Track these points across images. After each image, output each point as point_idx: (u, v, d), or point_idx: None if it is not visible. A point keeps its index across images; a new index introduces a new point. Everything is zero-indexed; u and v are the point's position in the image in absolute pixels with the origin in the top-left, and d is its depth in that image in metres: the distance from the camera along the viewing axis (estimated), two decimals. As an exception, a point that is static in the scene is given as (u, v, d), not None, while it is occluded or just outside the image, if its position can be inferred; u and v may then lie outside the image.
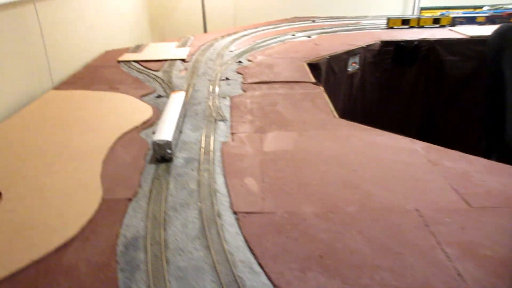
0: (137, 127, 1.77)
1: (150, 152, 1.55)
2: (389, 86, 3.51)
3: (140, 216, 1.17)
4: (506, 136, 2.55)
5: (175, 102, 1.81)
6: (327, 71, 2.94)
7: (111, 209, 1.21)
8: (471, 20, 3.78)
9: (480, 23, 3.78)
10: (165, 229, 1.11)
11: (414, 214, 1.15)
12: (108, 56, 3.09)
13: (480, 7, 4.25)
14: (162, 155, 1.45)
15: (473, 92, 3.50)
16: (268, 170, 1.40)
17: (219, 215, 1.16)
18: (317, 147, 1.56)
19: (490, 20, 3.80)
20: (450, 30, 3.66)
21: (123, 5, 4.07)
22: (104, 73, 2.62)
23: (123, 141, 1.65)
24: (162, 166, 1.44)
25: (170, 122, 1.59)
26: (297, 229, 1.10)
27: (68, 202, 1.23)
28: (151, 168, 1.44)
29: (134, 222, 1.15)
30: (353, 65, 3.16)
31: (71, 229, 1.10)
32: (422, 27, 3.77)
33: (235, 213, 1.18)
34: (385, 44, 3.36)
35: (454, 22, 3.76)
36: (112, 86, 2.35)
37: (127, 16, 4.14)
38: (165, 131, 1.50)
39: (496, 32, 2.50)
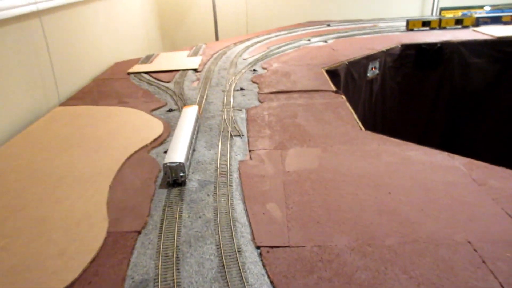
0: (147, 146, 1.64)
1: (161, 174, 1.42)
2: (410, 91, 3.33)
3: (149, 253, 1.04)
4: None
5: (188, 117, 1.68)
6: (346, 78, 2.78)
7: (117, 245, 1.07)
8: (496, 20, 3.59)
9: (506, 23, 3.59)
10: (178, 269, 0.97)
11: (467, 247, 0.99)
12: (118, 68, 2.98)
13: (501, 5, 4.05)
14: (175, 179, 1.31)
15: (501, 96, 3.30)
16: (292, 193, 1.25)
17: (239, 251, 1.02)
18: (344, 165, 1.41)
19: (516, 19, 3.60)
20: (474, 31, 3.47)
21: (133, 15, 3.98)
22: (113, 86, 2.51)
23: (132, 161, 1.52)
24: (175, 191, 1.31)
25: (183, 141, 1.45)
26: (330, 267, 0.95)
27: (70, 237, 1.10)
28: (162, 194, 1.30)
29: (143, 260, 1.01)
30: (372, 70, 3.00)
31: (72, 271, 0.97)
32: (444, 28, 3.59)
33: (258, 247, 1.03)
34: (406, 47, 3.18)
35: (478, 22, 3.58)
36: (121, 100, 2.23)
37: (137, 26, 4.04)
38: (177, 152, 1.36)
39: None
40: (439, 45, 3.17)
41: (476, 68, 3.24)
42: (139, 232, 1.12)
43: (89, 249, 1.05)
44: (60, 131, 1.84)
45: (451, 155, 1.44)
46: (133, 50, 3.79)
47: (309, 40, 3.46)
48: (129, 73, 2.78)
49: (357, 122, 1.76)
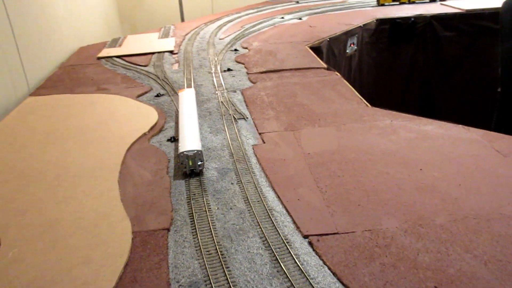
0: (145, 134, 1.51)
1: (172, 165, 1.30)
2: (386, 65, 3.34)
3: (188, 252, 0.94)
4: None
5: (188, 101, 1.56)
6: (327, 54, 2.73)
7: (148, 246, 0.96)
8: (461, -7, 3.66)
9: (470, -4, 3.66)
10: (228, 268, 0.88)
11: (518, 219, 0.97)
12: (84, 53, 2.75)
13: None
14: (192, 168, 1.20)
15: (469, 67, 3.40)
16: (321, 176, 1.19)
17: (287, 242, 0.94)
18: (365, 143, 1.36)
19: (478, -8, 3.69)
20: (442, 4, 3.53)
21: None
22: (85, 72, 2.31)
23: (134, 153, 1.39)
24: (193, 181, 1.20)
25: (193, 127, 1.34)
26: (390, 252, 0.90)
27: (91, 241, 0.97)
28: (180, 185, 1.19)
29: (183, 261, 0.91)
30: (351, 47, 2.97)
31: (106, 280, 0.85)
32: (414, 3, 3.62)
33: (305, 236, 0.96)
34: (381, 22, 3.18)
35: (444, -5, 3.63)
36: (100, 87, 2.05)
37: (96, 8, 3.76)
38: (191, 139, 1.25)
39: (508, 8, 2.36)
40: (412, 19, 3.20)
41: (447, 41, 3.30)
42: (168, 230, 1.01)
43: (118, 253, 0.93)
44: (39, 124, 1.65)
45: (466, 127, 1.43)
46: (94, 34, 3.52)
47: (282, 17, 3.37)
48: (99, 58, 2.57)
49: (361, 99, 1.72)
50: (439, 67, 3.38)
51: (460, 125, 1.44)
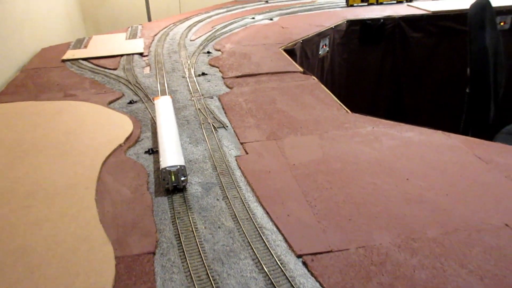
0: (121, 146, 1.43)
1: (152, 179, 1.24)
2: (356, 66, 3.37)
3: (178, 279, 0.88)
4: (490, 112, 2.52)
5: (165, 110, 1.49)
6: (301, 56, 2.72)
7: (133, 272, 0.90)
8: (426, -5, 3.74)
9: (435, -3, 3.76)
10: (221, 295, 0.84)
11: (507, 231, 0.98)
12: (47, 55, 2.61)
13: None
14: (175, 184, 1.15)
15: (436, 67, 3.48)
16: (309, 189, 1.16)
17: (281, 264, 0.91)
18: (349, 152, 1.34)
19: (443, -7, 3.79)
20: (409, 5, 3.59)
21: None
22: (50, 76, 2.18)
23: (110, 167, 1.32)
24: (176, 198, 1.14)
25: (173, 140, 1.28)
26: (386, 270, 0.88)
27: (71, 270, 0.90)
28: (163, 203, 1.13)
29: (173, 288, 0.86)
30: (323, 48, 2.97)
31: (93, 316, 0.79)
32: (381, 3, 3.67)
33: (299, 256, 0.93)
34: (352, 23, 3.20)
35: (410, -4, 3.70)
36: (67, 93, 1.94)
37: (57, 6, 3.58)
38: (172, 154, 1.19)
39: (475, 9, 2.42)
40: (381, 20, 3.23)
41: (415, 42, 3.36)
42: (154, 253, 0.96)
43: (101, 283, 0.87)
44: (3, 135, 1.54)
45: (446, 133, 1.44)
46: (56, 34, 3.36)
47: (253, 18, 3.33)
48: (64, 60, 2.44)
49: (340, 105, 1.70)
50: (408, 67, 3.45)
51: (440, 131, 1.46)
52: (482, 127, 2.64)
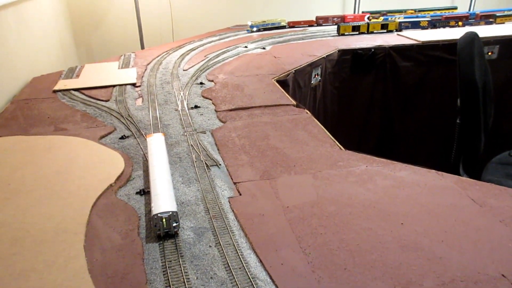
0: (111, 186, 1.41)
1: (143, 223, 1.22)
2: (348, 95, 3.41)
3: (169, 337, 0.85)
4: (480, 142, 2.54)
5: (157, 150, 1.48)
6: (293, 86, 2.73)
7: (123, 330, 0.87)
8: (415, 25, 3.82)
9: (424, 27, 3.83)
10: None
11: (505, 282, 0.97)
12: (38, 85, 2.60)
13: (422, 10, 4.33)
14: (167, 230, 1.12)
15: (425, 96, 3.53)
16: (303, 234, 1.14)
17: (276, 319, 0.88)
18: (343, 193, 1.33)
19: (431, 24, 3.87)
20: (399, 35, 3.65)
21: (46, 22, 3.51)
22: (41, 108, 2.17)
23: (100, 209, 1.29)
24: (168, 245, 1.12)
25: (166, 183, 1.26)
26: (383, 326, 0.86)
27: (58, 328, 0.87)
28: (154, 250, 1.11)
29: None
30: (315, 77, 3.00)
31: None
32: (372, 33, 3.73)
33: (293, 311, 0.91)
34: (343, 52, 3.24)
35: (400, 27, 3.77)
36: (58, 126, 1.92)
37: (50, 34, 3.58)
38: (165, 199, 1.17)
39: (464, 42, 2.47)
40: (372, 50, 3.28)
41: (405, 71, 3.41)
42: (144, 308, 0.93)
43: None
44: (-9, 173, 1.51)
45: (440, 173, 1.44)
46: (48, 62, 3.35)
47: (246, 47, 3.35)
48: (55, 91, 2.43)
49: (334, 141, 1.70)
50: (398, 95, 3.48)
51: (434, 171, 1.46)
52: (472, 156, 2.65)
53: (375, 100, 3.48)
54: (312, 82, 2.96)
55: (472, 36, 2.49)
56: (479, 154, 2.59)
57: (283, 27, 4.02)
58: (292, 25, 4.05)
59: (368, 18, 4.07)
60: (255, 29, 3.88)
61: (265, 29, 3.91)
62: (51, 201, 1.33)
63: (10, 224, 1.22)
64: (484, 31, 3.47)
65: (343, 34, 3.67)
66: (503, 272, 0.99)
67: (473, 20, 3.91)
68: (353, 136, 3.52)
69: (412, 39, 3.45)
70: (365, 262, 1.04)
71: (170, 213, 1.11)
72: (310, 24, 4.09)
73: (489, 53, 3.38)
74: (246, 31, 3.95)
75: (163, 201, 1.15)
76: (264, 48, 3.28)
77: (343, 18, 4.04)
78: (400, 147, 3.61)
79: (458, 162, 2.66)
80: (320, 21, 4.05)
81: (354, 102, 3.45)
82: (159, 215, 1.10)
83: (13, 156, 1.63)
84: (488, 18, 3.91)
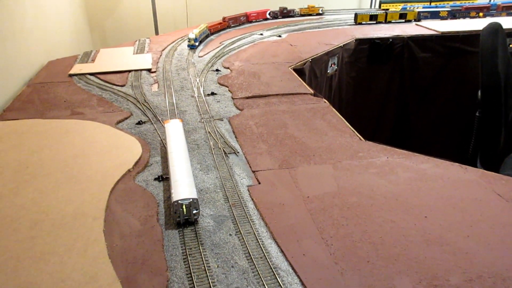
0: (129, 171, 1.40)
1: (162, 210, 1.20)
2: (364, 85, 3.35)
3: (191, 325, 0.84)
4: (500, 136, 2.49)
5: (175, 137, 1.46)
6: (309, 75, 2.69)
7: (144, 316, 0.86)
8: (434, 15, 3.74)
9: (443, 17, 3.75)
10: None
11: (534, 279, 0.94)
12: (54, 69, 2.59)
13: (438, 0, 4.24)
14: (187, 217, 1.11)
15: (443, 88, 3.46)
16: (325, 225, 1.12)
17: (299, 310, 0.87)
18: (364, 185, 1.30)
19: (451, 14, 3.79)
20: (417, 25, 3.58)
21: (61, 6, 3.49)
22: (57, 92, 2.16)
23: (118, 194, 1.28)
24: (188, 232, 1.11)
25: (185, 170, 1.24)
26: (409, 321, 0.84)
27: (80, 313, 0.86)
28: (173, 237, 1.09)
29: (186, 336, 0.82)
30: (332, 67, 2.95)
31: None
32: (390, 22, 3.66)
33: (316, 302, 0.89)
34: (360, 42, 3.18)
35: (419, 16, 3.69)
36: (74, 110, 1.91)
37: (65, 19, 3.57)
38: (185, 186, 1.15)
39: (488, 32, 2.40)
40: (390, 40, 3.21)
41: (423, 62, 3.34)
42: (165, 294, 0.92)
43: (111, 329, 0.83)
44: (8, 156, 1.51)
45: (463, 166, 1.41)
46: (63, 46, 3.34)
47: (261, 34, 3.31)
48: (71, 75, 2.42)
49: (353, 131, 1.67)
50: (415, 87, 3.42)
51: (457, 164, 1.42)
52: (491, 150, 2.60)
53: (391, 91, 3.43)
54: (328, 71, 2.92)
55: (496, 27, 2.42)
56: (499, 148, 2.54)
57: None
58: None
59: (269, 14, 3.84)
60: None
61: None
62: (69, 185, 1.32)
63: (29, 207, 1.22)
64: (506, 22, 3.37)
65: (360, 23, 3.61)
66: (533, 270, 0.96)
67: (495, 11, 3.82)
68: (368, 127, 3.48)
69: (431, 29, 3.38)
70: (388, 255, 1.01)
71: (191, 200, 1.09)
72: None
73: (511, 45, 3.29)
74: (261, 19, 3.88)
75: (183, 188, 1.14)
76: (280, 36, 3.24)
77: (247, 16, 3.74)
78: (415, 139, 3.56)
79: (476, 156, 2.61)
80: (230, 21, 3.58)
81: (370, 93, 3.40)
82: (179, 201, 1.09)
83: (30, 139, 1.63)
84: (510, 9, 3.81)
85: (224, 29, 3.49)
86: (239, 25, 3.65)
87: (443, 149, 3.51)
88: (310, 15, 4.02)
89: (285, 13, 3.97)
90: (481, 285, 0.93)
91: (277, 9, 3.99)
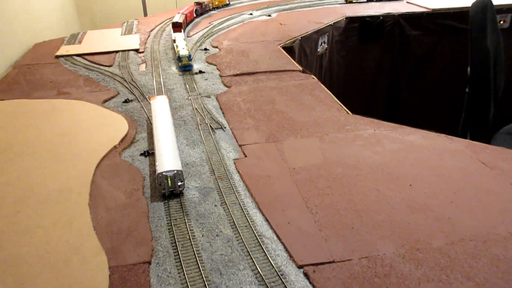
0: (115, 148, 1.39)
1: (148, 183, 1.20)
2: (355, 64, 3.34)
3: (175, 291, 0.85)
4: (489, 112, 2.50)
5: (162, 112, 1.45)
6: (299, 54, 2.68)
7: (128, 283, 0.87)
8: (425, -9, 3.70)
9: (434, -6, 3.71)
10: (220, 309, 0.80)
11: (515, 241, 0.95)
12: (40, 51, 2.56)
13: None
14: (172, 189, 1.11)
15: (435, 66, 3.45)
16: (310, 195, 1.13)
17: (282, 275, 0.87)
18: (350, 156, 1.31)
19: (442, -10, 3.75)
20: (408, 2, 3.55)
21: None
22: (43, 73, 2.13)
23: (104, 170, 1.28)
24: (173, 203, 1.11)
25: (170, 143, 1.24)
26: (391, 282, 0.85)
27: (62, 282, 0.87)
28: (159, 209, 1.09)
29: (170, 301, 0.83)
30: (322, 45, 2.93)
31: (85, 332, 0.76)
32: (380, 0, 3.62)
33: (300, 267, 0.90)
34: (351, 20, 3.15)
35: (410, -7, 3.66)
36: (60, 90, 1.89)
37: (52, 2, 3.50)
38: (169, 158, 1.15)
39: (477, 7, 2.38)
40: (381, 18, 3.19)
41: (414, 40, 3.33)
42: (150, 263, 0.92)
43: (95, 296, 0.83)
44: (-6, 135, 1.50)
45: (449, 137, 1.41)
46: (50, 28, 3.29)
47: (251, 14, 3.28)
48: (57, 56, 2.39)
49: (341, 105, 1.67)
50: (406, 65, 3.41)
51: (443, 135, 1.43)
52: (481, 127, 2.61)
53: (382, 70, 3.41)
54: (318, 50, 2.90)
55: (486, 3, 2.40)
56: (488, 124, 2.55)
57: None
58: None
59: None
60: None
61: None
62: (54, 162, 1.31)
63: (14, 184, 1.21)
64: (497, -2, 3.36)
65: (351, 2, 3.57)
66: (513, 232, 0.97)
67: (486, -12, 3.78)
68: (360, 106, 3.47)
69: (422, 6, 3.35)
70: (373, 222, 1.02)
71: (175, 171, 1.09)
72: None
73: (501, 22, 3.29)
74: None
75: (168, 160, 1.13)
76: (269, 16, 3.20)
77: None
78: (407, 117, 3.56)
79: (466, 132, 2.62)
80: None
81: (361, 71, 3.39)
82: (163, 173, 1.09)
83: (16, 119, 1.62)
84: (501, -14, 3.78)
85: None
86: (226, 5, 3.60)
87: (435, 126, 3.51)
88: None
89: None
90: (462, 247, 0.94)
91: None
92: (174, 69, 2.03)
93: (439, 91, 3.48)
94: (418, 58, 3.39)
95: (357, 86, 3.43)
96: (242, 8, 3.48)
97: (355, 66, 3.35)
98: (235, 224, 1.02)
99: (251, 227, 1.01)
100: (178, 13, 2.86)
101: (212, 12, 3.42)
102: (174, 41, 2.34)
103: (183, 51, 2.09)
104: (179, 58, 2.08)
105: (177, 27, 2.61)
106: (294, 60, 2.43)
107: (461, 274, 0.87)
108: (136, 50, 2.47)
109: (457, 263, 0.89)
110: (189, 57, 2.08)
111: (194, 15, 3.17)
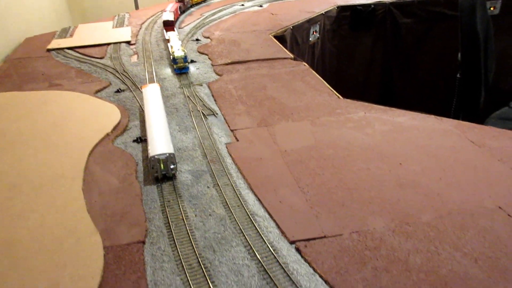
0: (108, 135, 1.40)
1: (141, 168, 1.21)
2: (347, 53, 3.35)
3: (169, 267, 0.86)
4: (480, 97, 2.52)
5: (153, 99, 1.46)
6: (291, 43, 2.68)
7: (123, 262, 0.88)
8: (416, -20, 3.71)
9: (425, -18, 3.73)
10: (213, 282, 0.82)
11: (501, 213, 0.97)
12: (32, 45, 2.55)
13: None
14: (164, 173, 1.12)
15: (426, 53, 3.47)
16: (301, 175, 1.14)
17: (274, 250, 0.89)
18: (341, 138, 1.32)
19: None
20: (399, -10, 3.56)
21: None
22: (35, 66, 2.13)
23: (97, 156, 1.28)
24: (166, 186, 1.12)
25: (162, 128, 1.25)
26: (380, 254, 0.87)
27: (58, 262, 0.88)
28: (152, 192, 1.11)
29: (164, 277, 0.84)
30: (314, 34, 2.94)
31: (81, 307, 0.77)
32: (372, -11, 3.63)
33: (292, 242, 0.92)
34: (342, 9, 3.16)
35: (401, -18, 3.67)
36: (52, 82, 1.89)
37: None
38: (161, 142, 1.16)
39: (467, -8, 2.40)
40: (372, 6, 3.20)
41: (406, 28, 3.34)
42: (144, 242, 0.93)
43: (90, 274, 0.84)
44: (-13, 126, 1.50)
45: (439, 118, 1.43)
46: (41, 23, 3.28)
47: (242, 5, 3.28)
48: (49, 50, 2.38)
49: (332, 90, 1.68)
50: (399, 53, 3.43)
51: (433, 116, 1.44)
52: (472, 111, 2.63)
53: (375, 58, 3.43)
54: (310, 39, 2.91)
55: (475, -13, 2.42)
56: (479, 108, 2.58)
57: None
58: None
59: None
60: None
61: None
62: (48, 150, 1.32)
63: (8, 171, 1.22)
64: (487, -15, 3.37)
65: (342, -9, 3.57)
66: (500, 205, 0.99)
67: (476, -25, 3.80)
68: (353, 94, 3.49)
69: (412, -6, 3.36)
70: (362, 199, 1.04)
71: (167, 155, 1.10)
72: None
73: (492, 8, 3.30)
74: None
75: (160, 144, 1.14)
76: (261, 6, 3.21)
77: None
78: (400, 104, 3.58)
79: (458, 117, 2.64)
80: None
81: (354, 60, 3.40)
82: (156, 156, 1.10)
83: (8, 111, 1.62)
84: (491, -28, 3.80)
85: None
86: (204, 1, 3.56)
87: (428, 112, 3.54)
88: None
89: None
90: (450, 220, 0.96)
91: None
92: (168, 71, 1.95)
93: (432, 77, 3.50)
94: (410, 45, 3.41)
95: (350, 74, 3.45)
96: (225, 2, 3.44)
97: (347, 55, 3.36)
98: (227, 204, 1.03)
99: (243, 206, 1.02)
100: (165, 10, 2.84)
101: (192, 9, 3.34)
102: (168, 41, 2.23)
103: (178, 52, 1.91)
104: (174, 60, 1.92)
105: (169, 25, 2.57)
106: (286, 48, 2.44)
107: (449, 245, 0.89)
108: (128, 42, 2.46)
109: (446, 235, 0.91)
110: (185, 59, 1.91)
111: (179, 13, 3.15)
